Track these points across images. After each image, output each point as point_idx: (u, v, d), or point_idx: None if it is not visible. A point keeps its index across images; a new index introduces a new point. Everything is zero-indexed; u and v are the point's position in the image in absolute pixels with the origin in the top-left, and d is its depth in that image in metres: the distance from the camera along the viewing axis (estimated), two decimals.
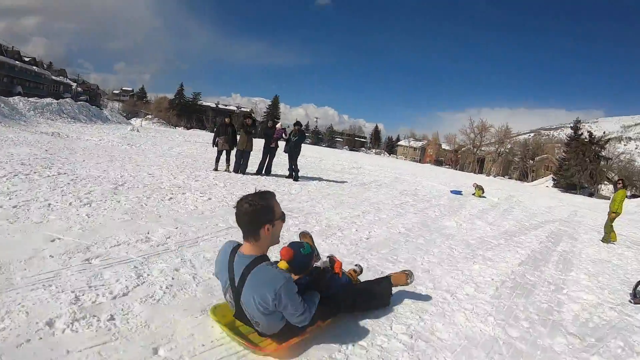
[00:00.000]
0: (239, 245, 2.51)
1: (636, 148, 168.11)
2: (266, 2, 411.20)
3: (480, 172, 72.54)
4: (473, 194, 15.92)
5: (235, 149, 11.37)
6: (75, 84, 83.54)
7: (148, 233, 4.34)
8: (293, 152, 11.78)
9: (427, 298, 3.81)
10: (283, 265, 2.74)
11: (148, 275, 3.25)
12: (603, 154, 54.13)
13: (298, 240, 3.48)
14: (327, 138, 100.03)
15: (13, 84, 60.29)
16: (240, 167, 11.31)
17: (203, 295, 3.06)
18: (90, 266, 3.28)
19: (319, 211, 7.46)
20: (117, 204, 5.51)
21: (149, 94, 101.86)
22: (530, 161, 72.04)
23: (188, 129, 62.10)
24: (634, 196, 38.20)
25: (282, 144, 12.39)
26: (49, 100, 26.85)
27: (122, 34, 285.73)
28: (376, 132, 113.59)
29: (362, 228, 6.50)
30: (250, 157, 11.65)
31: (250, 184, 9.61)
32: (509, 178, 68.64)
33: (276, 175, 11.96)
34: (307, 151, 36.67)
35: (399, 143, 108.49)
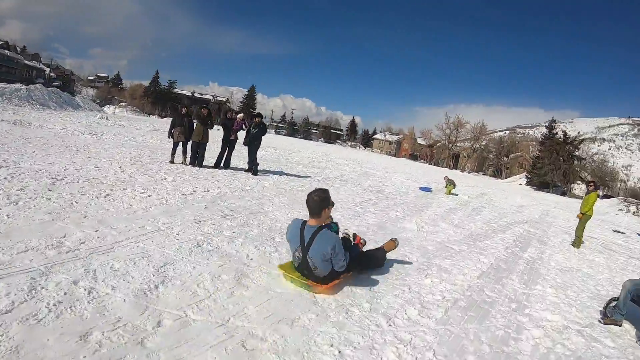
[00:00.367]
0: (305, 221, 3.80)
1: (609, 149, 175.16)
2: None
3: (455, 167, 73.24)
4: (445, 188, 15.55)
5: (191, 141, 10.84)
6: (49, 69, 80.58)
7: (64, 237, 3.99)
8: (252, 145, 11.07)
9: (357, 324, 3.16)
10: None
11: (42, 288, 2.96)
12: (577, 153, 55.15)
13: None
14: (302, 130, 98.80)
15: None
16: (197, 160, 10.75)
17: (91, 316, 2.73)
18: None
19: (265, 210, 6.77)
20: (46, 202, 5.12)
21: (125, 81, 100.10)
22: (505, 158, 73.12)
23: (162, 117, 60.44)
24: (605, 196, 39.00)
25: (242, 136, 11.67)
26: (17, 85, 26.39)
27: (100, 17, 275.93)
28: (353, 125, 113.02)
29: None
30: (212, 150, 10.98)
31: (202, 178, 8.93)
32: (483, 174, 69.49)
33: (235, 169, 11.33)
34: (280, 143, 36.01)
35: (375, 136, 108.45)
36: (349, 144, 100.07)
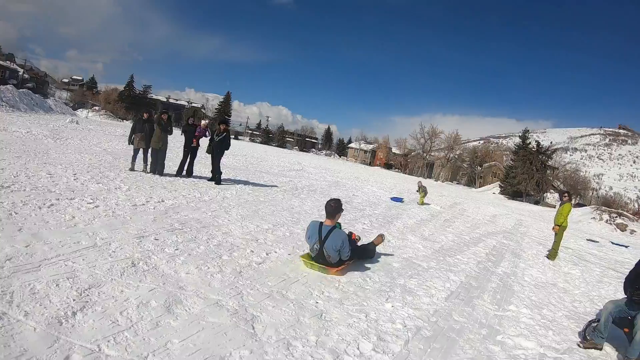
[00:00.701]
0: (321, 222, 4.97)
1: (581, 158, 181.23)
2: None
3: (429, 176, 73.86)
4: (417, 196, 15.30)
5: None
6: (22, 70, 77.70)
7: None
8: (215, 153, 10.52)
9: None
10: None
11: None
12: (550, 163, 56.36)
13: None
14: (277, 138, 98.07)
15: None
16: (157, 168, 10.20)
17: None
18: None
19: (220, 224, 6.21)
20: None
21: (100, 85, 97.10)
22: (479, 167, 74.28)
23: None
24: (578, 205, 39.83)
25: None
26: None
27: (77, 19, 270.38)
28: (328, 134, 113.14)
29: (261, 248, 5.30)
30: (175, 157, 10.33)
31: (160, 187, 8.36)
32: (457, 183, 70.33)
33: (198, 177, 10.80)
34: (252, 151, 35.37)
35: (350, 145, 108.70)
36: (324, 152, 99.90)
